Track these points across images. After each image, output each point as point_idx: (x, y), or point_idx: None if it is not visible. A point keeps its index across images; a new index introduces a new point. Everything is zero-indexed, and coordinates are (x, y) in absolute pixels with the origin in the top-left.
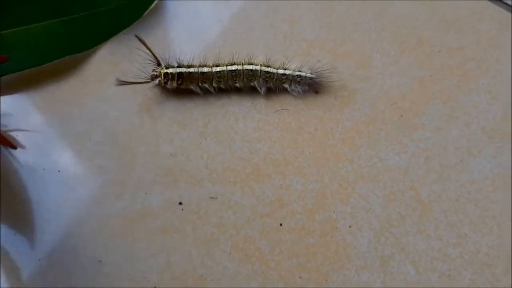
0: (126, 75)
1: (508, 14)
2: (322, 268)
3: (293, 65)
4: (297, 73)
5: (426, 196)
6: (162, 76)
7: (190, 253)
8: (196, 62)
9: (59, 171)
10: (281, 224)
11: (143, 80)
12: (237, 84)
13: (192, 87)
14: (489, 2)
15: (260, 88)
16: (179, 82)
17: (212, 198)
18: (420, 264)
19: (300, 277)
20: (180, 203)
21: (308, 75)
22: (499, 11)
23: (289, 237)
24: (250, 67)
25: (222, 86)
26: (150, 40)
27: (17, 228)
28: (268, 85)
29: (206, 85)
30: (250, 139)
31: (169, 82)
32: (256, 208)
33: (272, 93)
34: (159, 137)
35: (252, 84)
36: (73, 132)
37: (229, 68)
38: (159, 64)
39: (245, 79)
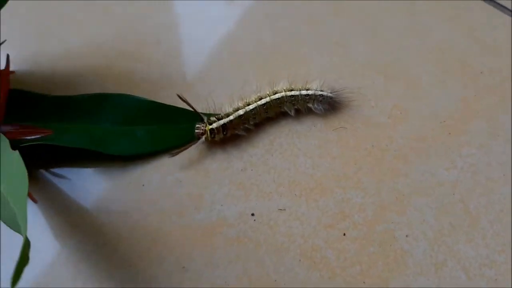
0: None
1: None
2: (383, 274)
3: (314, 84)
4: (319, 92)
5: (473, 208)
6: (208, 133)
7: (264, 260)
8: (227, 107)
9: (143, 185)
10: (344, 234)
11: (192, 143)
12: (268, 115)
13: (237, 132)
14: None
15: (290, 111)
16: (225, 133)
17: (281, 210)
18: (470, 270)
19: (364, 282)
20: (252, 214)
21: (329, 94)
22: None
23: (352, 246)
24: (277, 96)
25: (257, 121)
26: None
27: (105, 239)
28: (295, 107)
29: (247, 126)
30: (312, 155)
31: (216, 136)
32: (320, 219)
33: (329, 112)
34: (230, 154)
35: (281, 110)
36: None
37: (259, 103)
38: (201, 120)
39: (275, 108)
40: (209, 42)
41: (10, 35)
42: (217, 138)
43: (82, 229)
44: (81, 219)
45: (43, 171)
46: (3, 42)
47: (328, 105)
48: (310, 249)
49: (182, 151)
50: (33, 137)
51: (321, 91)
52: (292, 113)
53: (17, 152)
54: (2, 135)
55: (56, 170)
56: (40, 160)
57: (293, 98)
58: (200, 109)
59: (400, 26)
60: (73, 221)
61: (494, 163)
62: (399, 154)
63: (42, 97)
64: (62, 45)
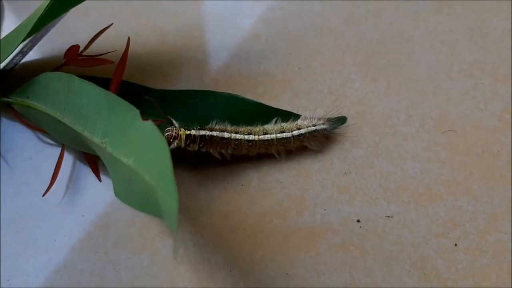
0: None
1: None
2: (497, 286)
3: (304, 120)
4: (313, 128)
5: None
6: (183, 138)
7: (371, 269)
8: (216, 126)
9: (242, 185)
10: (456, 245)
11: None
12: (250, 153)
13: (212, 152)
14: None
15: (279, 154)
16: (201, 145)
17: (388, 216)
18: None
19: None
20: (358, 221)
21: (322, 126)
22: None
23: (464, 257)
24: (266, 137)
25: (236, 153)
26: None
27: (206, 240)
28: (287, 149)
29: (224, 152)
30: (420, 159)
31: (191, 145)
32: (430, 227)
33: (438, 113)
34: (332, 155)
35: (268, 152)
36: None
37: (246, 137)
38: (171, 124)
39: (261, 148)
40: (309, 37)
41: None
42: (191, 148)
43: (182, 229)
44: (181, 219)
45: None
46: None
47: (324, 138)
48: (420, 259)
49: None
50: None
51: (314, 125)
52: (282, 156)
53: (150, 122)
54: (127, 103)
55: None
56: None
57: (284, 140)
58: (301, 108)
59: (507, 26)
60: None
61: None
62: (510, 160)
63: (149, 90)
64: (157, 36)
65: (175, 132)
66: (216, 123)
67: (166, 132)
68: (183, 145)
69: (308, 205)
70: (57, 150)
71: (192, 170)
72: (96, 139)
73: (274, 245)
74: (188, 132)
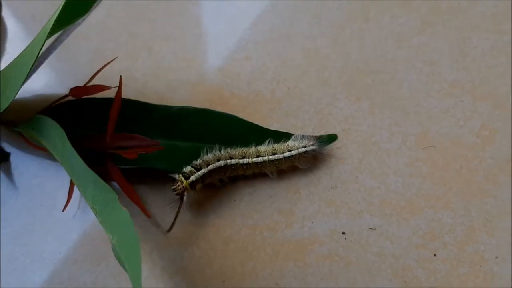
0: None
1: None
2: None
3: (295, 141)
4: (303, 149)
5: None
6: (188, 187)
7: (355, 278)
8: (209, 156)
9: (235, 200)
10: (435, 255)
11: (178, 207)
12: (246, 173)
13: (213, 181)
14: None
15: (272, 174)
16: (203, 183)
17: (372, 229)
18: None
19: None
20: (343, 233)
21: (312, 148)
22: None
23: (442, 267)
24: (259, 159)
25: (232, 175)
26: None
27: (201, 252)
28: (279, 168)
29: (223, 178)
30: (402, 174)
31: (196, 187)
32: (411, 239)
33: (419, 130)
34: (319, 171)
35: (261, 171)
36: None
37: (241, 161)
38: (173, 180)
39: (255, 168)
40: (297, 58)
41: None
42: (197, 188)
43: (178, 241)
44: (177, 232)
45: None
46: (112, 60)
47: (313, 159)
48: (401, 269)
49: (175, 219)
50: (144, 152)
51: (304, 147)
52: (274, 176)
53: (126, 211)
54: (108, 186)
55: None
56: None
57: (276, 162)
58: (289, 126)
59: (487, 45)
60: (170, 233)
61: None
62: (488, 175)
63: (150, 106)
64: (154, 58)
65: (181, 188)
66: (207, 151)
67: (174, 191)
68: (191, 191)
69: (296, 218)
70: (61, 168)
71: None
72: (89, 201)
73: (264, 257)
74: (189, 181)
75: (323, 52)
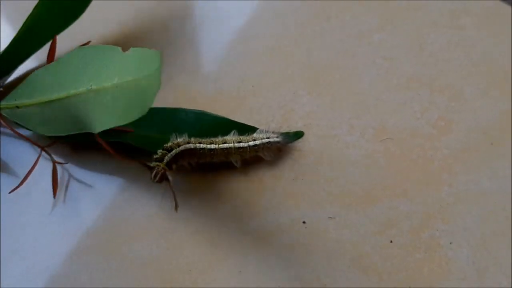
0: None
1: None
2: (429, 279)
3: (260, 134)
4: (266, 140)
5: None
6: (166, 167)
7: (315, 265)
8: (180, 140)
9: (202, 192)
10: (391, 241)
11: (170, 187)
12: (213, 160)
13: (183, 164)
14: None
15: (236, 162)
16: (177, 163)
17: (331, 217)
18: None
19: (410, 287)
20: (304, 222)
21: (275, 139)
22: None
23: (398, 252)
24: (225, 145)
25: (200, 161)
26: None
27: (170, 244)
28: (243, 158)
29: (191, 162)
30: (360, 165)
31: (173, 166)
32: (369, 227)
33: (378, 123)
34: (282, 163)
35: (227, 160)
36: None
37: (208, 146)
38: (150, 168)
39: (220, 156)
40: (262, 57)
41: None
42: (173, 168)
43: (150, 233)
44: (150, 224)
45: None
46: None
47: (277, 150)
48: (359, 256)
49: (175, 198)
50: None
51: (268, 138)
52: (238, 164)
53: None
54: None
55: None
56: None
57: (241, 150)
58: (254, 122)
59: (444, 40)
60: (143, 226)
61: None
62: (443, 165)
63: None
64: None
65: (161, 169)
66: (177, 136)
67: (154, 174)
68: (169, 171)
69: (260, 209)
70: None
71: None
72: (83, 89)
73: (229, 247)
74: (165, 162)
75: (286, 50)
